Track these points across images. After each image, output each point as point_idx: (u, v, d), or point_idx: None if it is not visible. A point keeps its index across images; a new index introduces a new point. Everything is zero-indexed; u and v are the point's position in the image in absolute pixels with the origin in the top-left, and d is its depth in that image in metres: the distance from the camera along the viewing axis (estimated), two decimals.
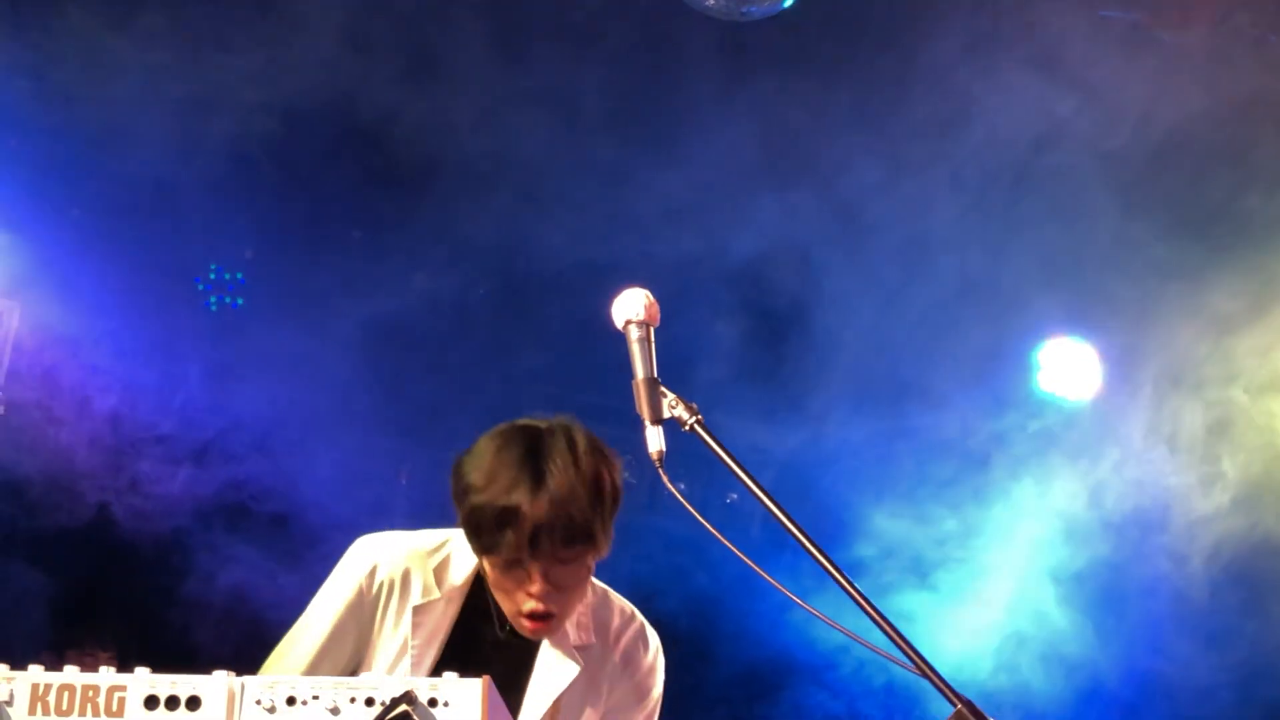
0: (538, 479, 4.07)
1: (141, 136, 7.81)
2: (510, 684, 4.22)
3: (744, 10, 7.83)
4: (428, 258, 8.79)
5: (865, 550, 9.07)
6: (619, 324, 3.78)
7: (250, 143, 8.10)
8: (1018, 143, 8.30)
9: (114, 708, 2.65)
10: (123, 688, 2.66)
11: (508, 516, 4.04)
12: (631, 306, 3.77)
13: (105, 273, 8.14)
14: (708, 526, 4.11)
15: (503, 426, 4.23)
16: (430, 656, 4.25)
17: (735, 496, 8.81)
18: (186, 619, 8.21)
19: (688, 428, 3.68)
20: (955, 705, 3.17)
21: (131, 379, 8.31)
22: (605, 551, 4.16)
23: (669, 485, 3.74)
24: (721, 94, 8.27)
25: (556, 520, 4.04)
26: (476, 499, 4.09)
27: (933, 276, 8.73)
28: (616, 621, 4.48)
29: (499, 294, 9.16)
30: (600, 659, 4.42)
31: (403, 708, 2.58)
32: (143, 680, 2.67)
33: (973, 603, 9.25)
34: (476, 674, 3.89)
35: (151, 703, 2.65)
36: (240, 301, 8.91)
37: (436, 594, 4.31)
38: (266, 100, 7.84)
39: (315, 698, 2.64)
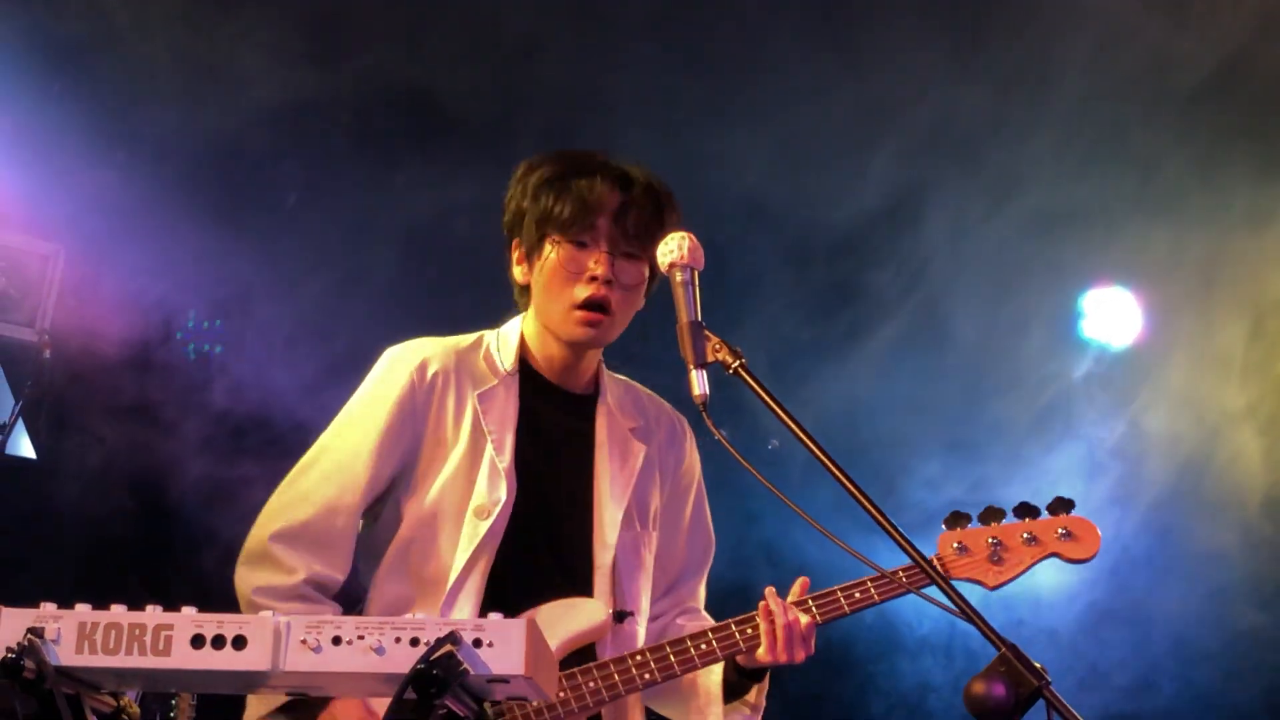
0: (618, 170, 4.34)
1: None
2: (580, 467, 4.34)
3: None
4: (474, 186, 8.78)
5: (913, 494, 9.07)
6: (663, 267, 3.79)
7: None
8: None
9: (160, 646, 2.67)
10: (170, 626, 2.68)
11: (589, 189, 4.26)
12: (675, 249, 3.79)
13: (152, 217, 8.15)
14: (753, 471, 4.13)
15: None
16: (509, 440, 4.28)
17: (777, 443, 8.82)
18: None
19: (731, 371, 3.70)
20: (1000, 649, 3.16)
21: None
22: (655, 267, 4.10)
23: (714, 430, 3.75)
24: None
25: (633, 203, 4.28)
26: (553, 171, 4.32)
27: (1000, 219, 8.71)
28: (647, 403, 4.61)
29: None
30: (650, 437, 4.53)
31: (447, 647, 2.59)
32: (189, 619, 2.68)
33: None
34: (548, 454, 4.25)
35: (198, 641, 2.66)
36: None
37: (494, 380, 4.36)
38: None
39: (360, 637, 2.65)
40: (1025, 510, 4.48)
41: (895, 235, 8.88)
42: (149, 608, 2.71)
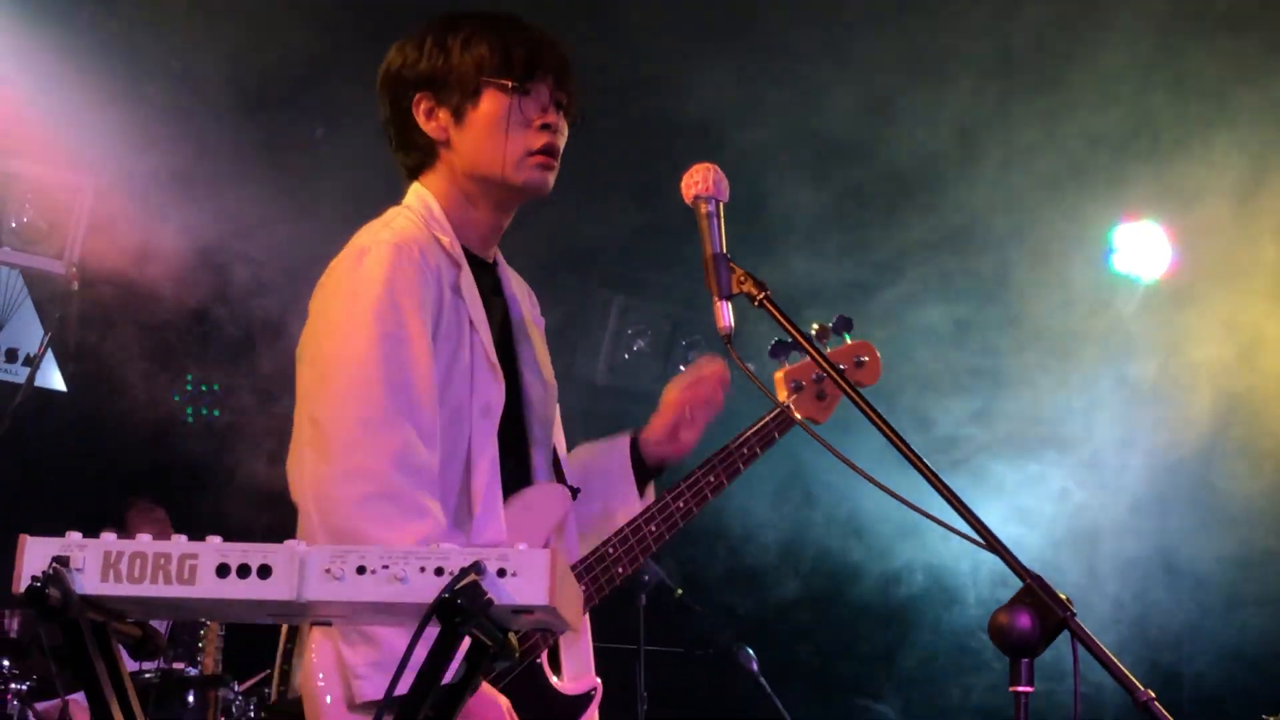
0: (544, 32, 4.31)
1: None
2: (519, 346, 4.31)
3: None
4: None
5: (949, 430, 9.07)
6: (687, 199, 3.79)
7: None
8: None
9: (185, 575, 2.67)
10: (195, 555, 2.68)
11: (535, 43, 4.22)
12: (700, 181, 3.79)
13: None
14: (778, 403, 4.13)
15: None
16: (486, 331, 4.15)
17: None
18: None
19: (757, 303, 3.74)
20: (1025, 580, 3.17)
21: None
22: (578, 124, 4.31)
23: (739, 363, 3.77)
24: None
25: (567, 65, 4.25)
26: (486, 24, 4.23)
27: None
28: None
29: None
30: (535, 305, 4.55)
31: (471, 577, 2.59)
32: (214, 548, 2.69)
33: (1051, 478, 9.23)
34: (505, 339, 4.21)
35: (223, 570, 2.67)
36: None
37: (455, 266, 4.16)
38: None
39: (385, 567, 2.64)
40: (822, 333, 4.78)
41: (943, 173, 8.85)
42: (175, 536, 2.71)
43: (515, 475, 4.18)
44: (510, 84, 4.15)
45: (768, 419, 4.65)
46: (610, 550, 4.31)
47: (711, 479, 4.48)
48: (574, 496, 4.31)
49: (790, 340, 4.36)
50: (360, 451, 3.79)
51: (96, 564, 2.66)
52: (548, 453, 4.31)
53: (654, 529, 4.38)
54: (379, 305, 3.91)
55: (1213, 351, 8.71)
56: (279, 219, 8.35)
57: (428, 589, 2.60)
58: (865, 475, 3.58)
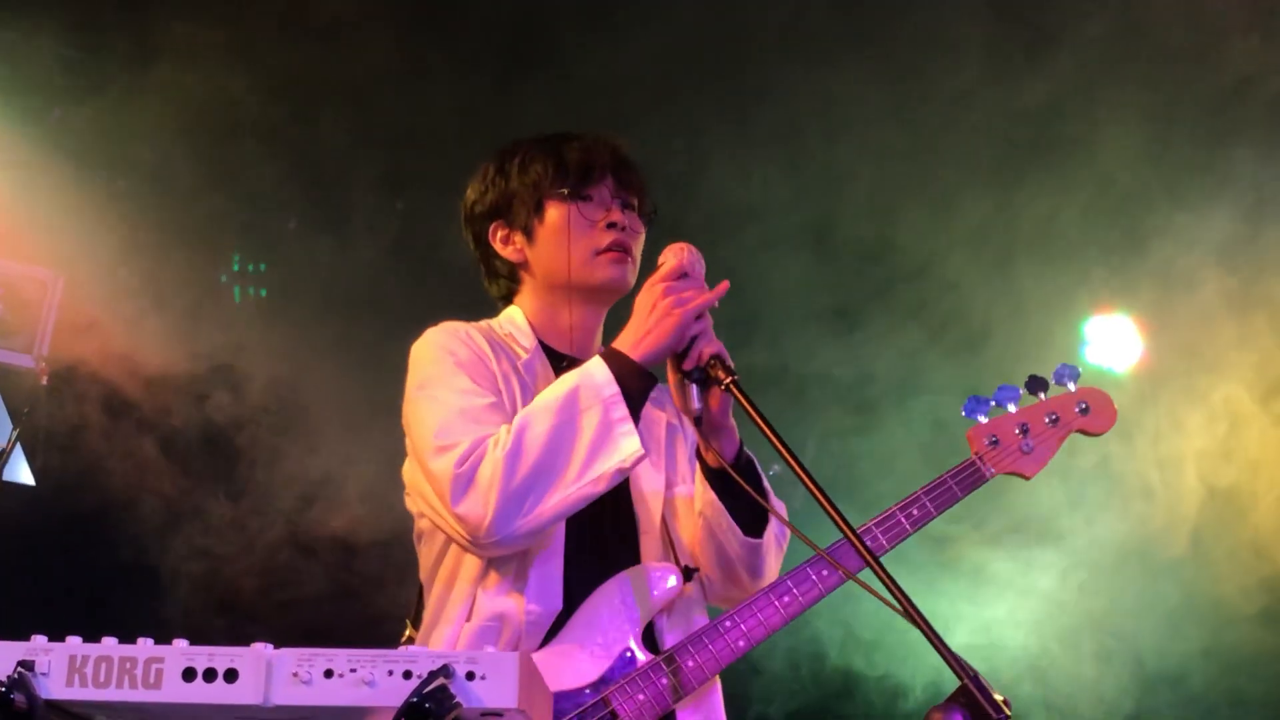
0: (601, 134, 4.42)
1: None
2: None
3: None
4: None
5: (931, 525, 9.01)
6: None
7: None
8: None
9: (151, 679, 2.65)
10: (160, 659, 2.66)
11: (585, 148, 4.33)
12: (674, 256, 3.94)
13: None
14: (747, 488, 4.12)
15: None
16: None
17: (778, 469, 8.81)
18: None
19: (723, 388, 3.79)
20: (962, 679, 3.16)
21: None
22: (651, 217, 4.40)
23: (701, 444, 3.96)
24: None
25: (624, 160, 4.36)
26: (538, 145, 4.37)
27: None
28: None
29: None
30: (663, 405, 4.45)
31: (440, 680, 2.57)
32: (180, 652, 2.67)
33: (1028, 572, 9.19)
34: None
35: (189, 674, 2.65)
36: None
37: (524, 354, 4.29)
38: None
39: (353, 670, 2.63)
40: (1037, 384, 4.51)
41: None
42: (140, 640, 2.69)
43: (620, 558, 4.18)
44: (566, 191, 4.27)
45: (946, 476, 4.39)
46: (728, 623, 4.11)
47: (867, 541, 4.16)
48: (688, 576, 4.25)
49: (987, 398, 4.47)
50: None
51: (62, 668, 2.64)
52: (660, 539, 4.27)
53: (786, 601, 4.14)
54: (431, 374, 4.10)
55: (1194, 443, 8.72)
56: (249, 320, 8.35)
57: (396, 693, 2.58)
58: (821, 551, 3.57)
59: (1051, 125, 8.45)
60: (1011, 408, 4.49)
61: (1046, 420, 4.49)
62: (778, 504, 4.22)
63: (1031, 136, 8.44)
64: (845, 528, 3.52)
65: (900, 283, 8.88)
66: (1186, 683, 8.96)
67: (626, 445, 3.88)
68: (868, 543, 4.04)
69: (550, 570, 4.04)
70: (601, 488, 3.89)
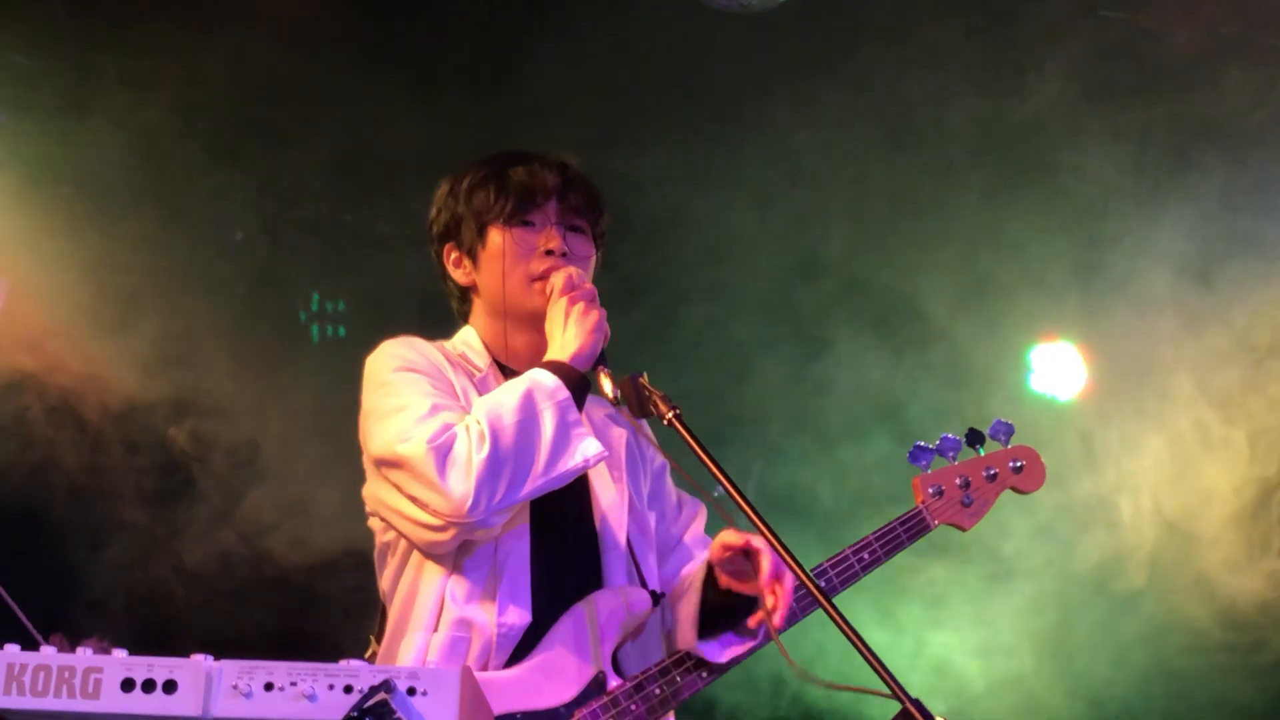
0: (551, 157, 4.42)
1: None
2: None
3: (743, 3, 7.83)
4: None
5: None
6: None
7: None
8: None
9: (90, 689, 2.63)
10: (99, 669, 2.64)
11: (528, 174, 4.33)
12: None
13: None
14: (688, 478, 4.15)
15: None
16: None
17: (719, 492, 8.78)
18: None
19: (666, 421, 3.83)
20: (903, 703, 3.21)
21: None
22: (601, 240, 4.44)
23: (631, 419, 4.07)
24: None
25: (572, 181, 4.37)
26: (485, 170, 4.38)
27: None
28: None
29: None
30: (621, 422, 4.50)
31: (381, 695, 2.57)
32: (119, 662, 2.65)
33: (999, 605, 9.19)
34: None
35: (128, 685, 2.63)
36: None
37: (479, 372, 4.32)
38: None
39: (293, 684, 2.62)
40: (975, 437, 4.67)
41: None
42: (79, 649, 2.68)
43: (584, 578, 4.19)
44: (504, 218, 4.29)
45: (895, 523, 4.54)
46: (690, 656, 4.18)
47: (820, 583, 4.23)
48: (655, 601, 4.26)
49: (930, 445, 4.62)
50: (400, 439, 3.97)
51: (0, 677, 2.62)
52: (625, 558, 4.28)
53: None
54: (388, 384, 4.13)
55: (1145, 470, 8.75)
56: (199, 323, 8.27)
57: (336, 707, 2.58)
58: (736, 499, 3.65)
59: (1004, 151, 8.51)
60: (953, 458, 4.66)
61: (985, 475, 4.68)
62: None
63: (972, 163, 8.48)
64: (786, 555, 3.58)
65: (841, 309, 8.89)
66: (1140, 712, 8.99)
67: (586, 446, 3.99)
68: (821, 584, 4.20)
69: (519, 583, 4.07)
70: (563, 482, 3.98)
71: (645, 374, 4.00)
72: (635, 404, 3.97)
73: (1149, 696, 8.97)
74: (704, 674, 4.16)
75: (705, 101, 8.38)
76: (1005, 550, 8.94)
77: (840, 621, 3.39)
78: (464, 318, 4.50)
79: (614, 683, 4.08)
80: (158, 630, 7.90)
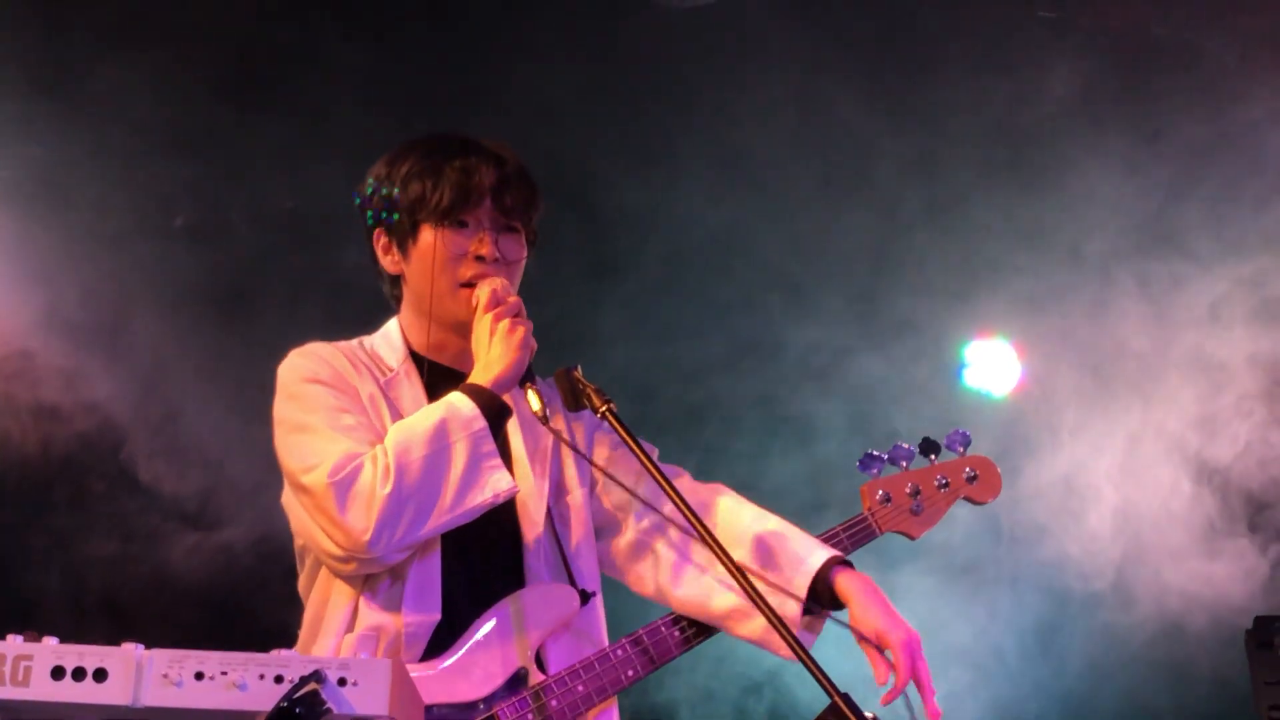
0: (488, 150, 4.33)
1: None
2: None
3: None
4: None
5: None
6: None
7: None
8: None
9: (19, 676, 2.63)
10: (29, 656, 2.65)
11: (465, 171, 4.26)
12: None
13: None
14: (605, 473, 4.17)
15: None
16: None
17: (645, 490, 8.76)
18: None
19: (600, 415, 3.85)
20: (833, 698, 3.24)
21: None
22: (533, 238, 4.37)
23: (558, 434, 4.17)
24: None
25: (509, 179, 4.29)
26: (423, 157, 4.30)
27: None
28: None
29: None
30: (552, 411, 4.37)
31: (311, 685, 2.58)
32: (50, 650, 2.65)
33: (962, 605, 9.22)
34: None
35: (58, 673, 2.63)
36: None
37: (390, 371, 4.30)
38: None
39: (224, 673, 2.63)
40: (930, 446, 4.66)
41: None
42: (10, 637, 2.68)
43: (502, 568, 4.20)
44: (436, 219, 4.24)
45: (838, 529, 4.54)
46: (619, 652, 4.22)
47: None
48: (584, 600, 4.27)
49: (882, 454, 4.61)
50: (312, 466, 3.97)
51: None
52: (547, 554, 4.28)
53: (678, 633, 4.31)
54: (294, 398, 4.13)
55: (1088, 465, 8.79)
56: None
57: (267, 697, 2.59)
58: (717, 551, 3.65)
59: (930, 147, 8.57)
60: (905, 466, 4.64)
61: (937, 484, 4.66)
62: None
63: (912, 158, 8.53)
64: (719, 552, 3.59)
65: (791, 302, 8.92)
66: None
67: (497, 480, 3.99)
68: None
69: (428, 580, 4.06)
70: (471, 517, 3.98)
71: (579, 367, 4.01)
72: (570, 397, 3.98)
73: (1108, 696, 9.04)
74: (629, 673, 4.20)
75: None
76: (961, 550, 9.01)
77: (769, 612, 3.42)
78: (395, 302, 4.47)
79: (537, 678, 4.10)
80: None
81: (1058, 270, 8.60)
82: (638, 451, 3.77)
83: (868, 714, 3.24)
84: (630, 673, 4.21)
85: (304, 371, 4.16)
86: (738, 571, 3.54)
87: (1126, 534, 8.72)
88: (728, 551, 3.58)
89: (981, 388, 9.46)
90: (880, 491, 4.59)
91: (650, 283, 8.66)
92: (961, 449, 4.71)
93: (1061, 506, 8.76)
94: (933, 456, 4.67)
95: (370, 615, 4.03)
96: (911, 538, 4.64)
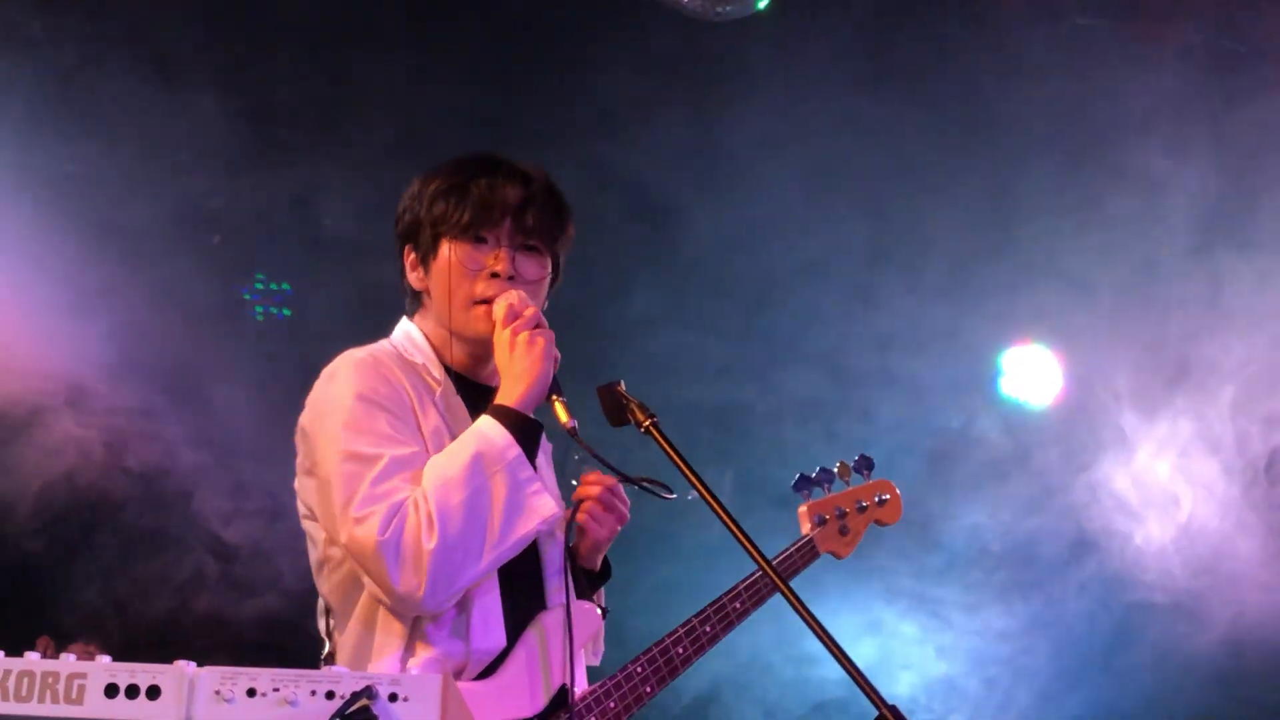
0: (516, 168, 4.31)
1: None
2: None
3: (717, 11, 7.87)
4: None
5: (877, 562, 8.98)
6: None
7: None
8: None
9: (73, 694, 2.66)
10: (83, 675, 2.66)
11: (488, 189, 4.24)
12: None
13: None
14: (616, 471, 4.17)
15: None
16: None
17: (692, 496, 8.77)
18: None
19: (643, 429, 3.85)
20: (881, 710, 3.26)
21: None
22: (562, 257, 4.36)
23: (592, 452, 4.01)
24: None
25: (533, 198, 4.26)
26: (450, 177, 4.28)
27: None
28: None
29: None
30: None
31: (363, 701, 2.59)
32: (103, 668, 2.67)
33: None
34: None
35: (111, 691, 2.65)
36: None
37: (437, 385, 4.25)
38: None
39: (276, 689, 2.64)
40: (843, 470, 5.01)
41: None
42: (63, 655, 2.70)
43: (530, 596, 4.19)
44: (456, 233, 4.23)
45: (791, 550, 4.80)
46: (638, 669, 4.31)
47: (738, 605, 4.54)
48: (604, 614, 4.35)
49: (812, 475, 4.94)
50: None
51: None
52: (561, 569, 4.24)
53: (681, 650, 4.40)
54: (349, 418, 4.03)
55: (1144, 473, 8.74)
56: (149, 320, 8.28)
57: (319, 713, 2.60)
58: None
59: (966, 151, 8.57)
60: (828, 489, 4.98)
61: (856, 507, 5.01)
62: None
63: (939, 162, 8.54)
64: (760, 560, 3.63)
65: (818, 310, 8.93)
66: None
67: (541, 506, 3.98)
68: (737, 607, 4.53)
69: (490, 608, 4.05)
70: (522, 548, 3.99)
71: (622, 382, 4.02)
72: (612, 412, 3.99)
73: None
74: (647, 689, 4.31)
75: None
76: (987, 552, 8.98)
77: (813, 622, 3.43)
78: (410, 315, 4.42)
79: (574, 696, 4.12)
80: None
81: (1111, 273, 8.56)
82: (683, 466, 3.78)
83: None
84: (648, 689, 4.31)
85: (361, 384, 4.09)
86: (786, 587, 3.56)
87: (1192, 546, 8.68)
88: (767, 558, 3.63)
89: (1018, 397, 9.41)
90: (817, 514, 4.91)
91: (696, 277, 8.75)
92: (868, 474, 5.08)
93: (1124, 517, 8.73)
94: (865, 473, 5.07)
95: (433, 642, 3.99)
96: (839, 557, 4.95)
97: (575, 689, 4.15)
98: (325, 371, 4.20)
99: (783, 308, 8.99)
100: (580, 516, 4.28)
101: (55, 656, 2.70)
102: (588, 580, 4.36)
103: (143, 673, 2.66)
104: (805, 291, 8.85)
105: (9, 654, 2.69)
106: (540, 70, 8.40)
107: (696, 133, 8.54)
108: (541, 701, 4.06)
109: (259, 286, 8.83)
